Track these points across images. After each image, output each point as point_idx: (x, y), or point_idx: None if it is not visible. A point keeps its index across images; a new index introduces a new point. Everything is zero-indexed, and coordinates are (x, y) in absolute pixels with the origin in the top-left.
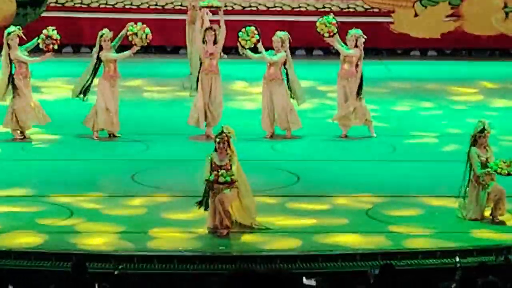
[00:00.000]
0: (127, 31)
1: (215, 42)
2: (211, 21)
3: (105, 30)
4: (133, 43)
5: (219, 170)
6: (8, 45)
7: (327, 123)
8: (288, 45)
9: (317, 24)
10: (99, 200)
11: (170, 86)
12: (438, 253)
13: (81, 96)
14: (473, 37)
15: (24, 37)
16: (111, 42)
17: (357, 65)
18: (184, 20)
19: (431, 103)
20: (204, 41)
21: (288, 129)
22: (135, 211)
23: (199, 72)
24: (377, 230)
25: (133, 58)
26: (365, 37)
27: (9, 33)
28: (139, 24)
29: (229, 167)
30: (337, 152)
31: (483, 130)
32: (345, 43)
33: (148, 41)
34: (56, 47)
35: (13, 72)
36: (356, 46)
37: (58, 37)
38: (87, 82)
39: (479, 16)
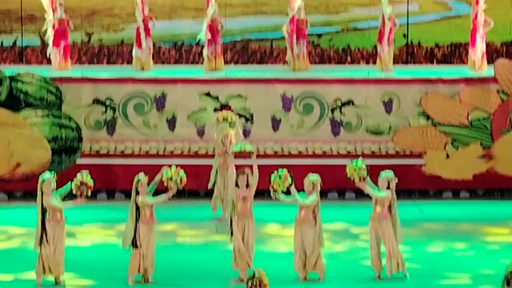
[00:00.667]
0: (162, 175)
1: (247, 185)
2: (244, 165)
3: (141, 175)
4: (168, 187)
5: None
6: (42, 191)
7: (360, 265)
8: (319, 188)
9: (347, 169)
10: None
11: (203, 230)
12: None
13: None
14: (506, 178)
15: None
16: (147, 186)
17: (390, 208)
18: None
19: (464, 244)
20: (236, 185)
21: (320, 271)
22: None
23: (231, 217)
24: None
25: (167, 202)
26: (396, 180)
27: (43, 180)
28: (174, 168)
29: None
30: None
31: None
32: (377, 185)
33: (183, 184)
34: (89, 193)
35: (46, 218)
36: (388, 188)
37: (92, 183)
38: (134, 230)
39: (511, 157)
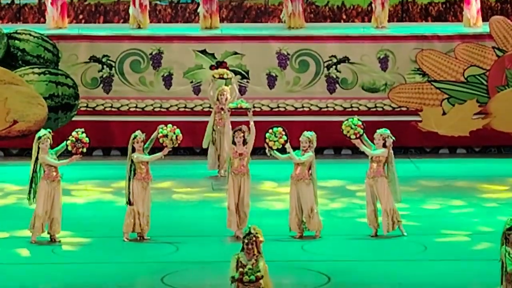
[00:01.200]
0: (158, 133)
1: (244, 143)
2: (240, 122)
3: (138, 132)
4: (163, 145)
5: (244, 268)
6: (39, 148)
7: (357, 223)
8: (315, 145)
9: (343, 126)
10: None
11: (199, 187)
12: None
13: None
14: (502, 134)
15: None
16: (144, 144)
17: (385, 165)
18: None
19: (462, 201)
20: (233, 142)
21: (317, 229)
22: None
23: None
24: None
25: (163, 160)
26: (393, 138)
27: (39, 137)
28: (169, 126)
29: (256, 268)
30: (367, 252)
31: (511, 227)
32: (374, 143)
33: (178, 142)
34: (85, 150)
35: (40, 175)
36: (384, 146)
37: (87, 140)
38: (128, 187)
39: (507, 114)
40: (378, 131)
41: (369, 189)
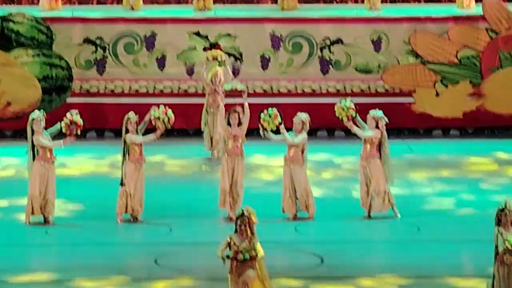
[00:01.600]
0: (150, 115)
1: (239, 124)
2: (235, 104)
3: (131, 113)
4: (156, 126)
5: (238, 247)
6: (32, 130)
7: (350, 204)
8: (308, 127)
9: (335, 109)
10: (123, 284)
11: (192, 168)
12: None
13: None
14: (495, 115)
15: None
16: (137, 125)
17: (379, 148)
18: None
19: (448, 172)
20: (228, 124)
21: (310, 210)
22: None
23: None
24: None
25: (156, 141)
26: (386, 120)
27: (33, 119)
28: (161, 107)
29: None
30: (360, 233)
31: (504, 208)
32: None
33: (170, 124)
34: (79, 132)
35: (35, 157)
36: (377, 127)
37: (82, 122)
38: (122, 168)
39: (500, 95)
40: (370, 112)
41: (362, 170)
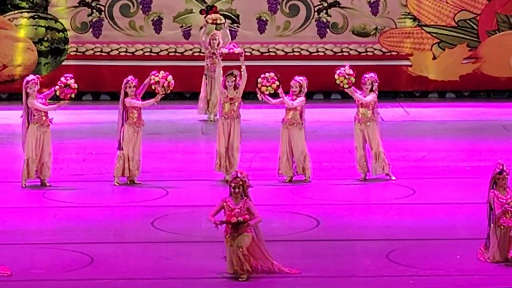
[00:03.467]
0: (150, 80)
1: (235, 87)
2: (232, 67)
3: (130, 77)
4: (156, 91)
5: (232, 211)
6: (27, 93)
7: (346, 167)
8: (306, 90)
9: (336, 76)
10: (119, 247)
11: (189, 132)
12: None
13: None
14: (492, 79)
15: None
16: (136, 89)
17: (374, 109)
18: (203, 66)
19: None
20: (224, 87)
21: (306, 173)
22: (155, 258)
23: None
24: (399, 274)
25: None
26: (378, 81)
27: (27, 82)
28: (162, 72)
29: (244, 211)
30: (356, 196)
31: (501, 171)
32: (362, 87)
33: (170, 89)
34: (73, 96)
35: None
36: (371, 90)
37: (76, 87)
38: (119, 131)
39: (497, 58)
40: (366, 75)
41: (359, 133)
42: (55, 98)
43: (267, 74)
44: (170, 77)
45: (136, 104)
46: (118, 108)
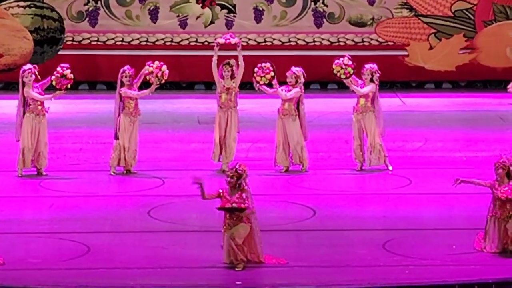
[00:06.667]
0: (145, 70)
1: (232, 77)
2: (229, 56)
3: (127, 67)
4: (150, 82)
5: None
6: (24, 82)
7: (343, 157)
8: (302, 80)
9: (333, 66)
10: (115, 236)
11: (185, 121)
12: (456, 286)
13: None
14: (488, 69)
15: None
16: (132, 79)
17: (373, 100)
18: (199, 56)
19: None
20: (221, 76)
21: (302, 163)
22: (151, 247)
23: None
24: (395, 263)
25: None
26: (379, 72)
27: (24, 71)
28: (156, 62)
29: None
30: (352, 186)
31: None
32: (361, 77)
33: (164, 79)
34: (69, 86)
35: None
36: (371, 80)
37: (72, 77)
38: (116, 121)
39: (494, 48)
40: (366, 66)
41: (356, 123)
42: (51, 88)
43: (263, 64)
44: (164, 67)
45: (131, 94)
46: (114, 97)
